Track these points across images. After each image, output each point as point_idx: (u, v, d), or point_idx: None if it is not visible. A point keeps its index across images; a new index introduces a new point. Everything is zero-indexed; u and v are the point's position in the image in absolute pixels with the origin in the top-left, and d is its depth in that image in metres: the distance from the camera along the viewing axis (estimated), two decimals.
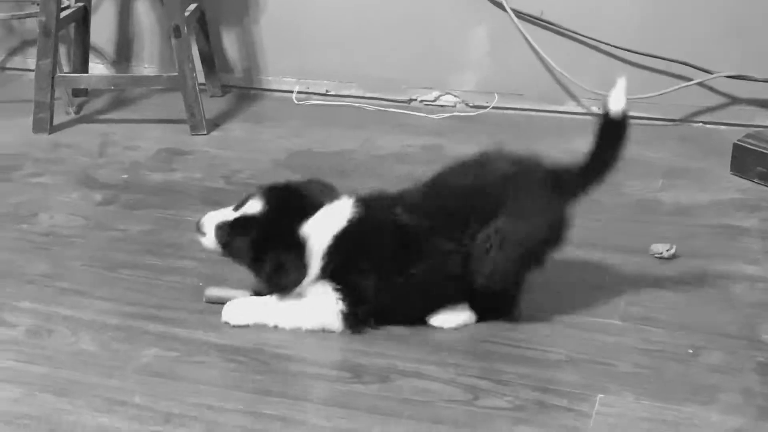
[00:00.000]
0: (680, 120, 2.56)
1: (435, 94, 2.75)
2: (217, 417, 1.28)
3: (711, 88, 2.52)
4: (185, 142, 2.46)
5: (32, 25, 3.04)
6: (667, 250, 1.74)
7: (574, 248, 1.77)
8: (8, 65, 3.13)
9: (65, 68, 2.73)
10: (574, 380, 1.36)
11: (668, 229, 1.87)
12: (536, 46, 2.61)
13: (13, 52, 3.13)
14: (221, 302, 1.58)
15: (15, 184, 2.17)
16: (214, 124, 2.59)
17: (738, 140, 2.18)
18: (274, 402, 1.31)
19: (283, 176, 2.22)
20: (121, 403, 1.31)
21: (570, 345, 1.45)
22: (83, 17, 2.70)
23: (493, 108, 2.68)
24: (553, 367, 1.40)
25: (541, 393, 1.32)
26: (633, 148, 2.36)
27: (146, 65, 2.98)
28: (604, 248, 1.79)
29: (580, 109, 2.65)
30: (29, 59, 3.06)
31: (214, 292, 1.63)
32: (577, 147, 2.37)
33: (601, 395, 1.32)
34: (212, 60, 2.80)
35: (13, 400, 1.33)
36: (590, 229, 1.88)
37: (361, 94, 2.80)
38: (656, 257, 1.74)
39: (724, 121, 2.51)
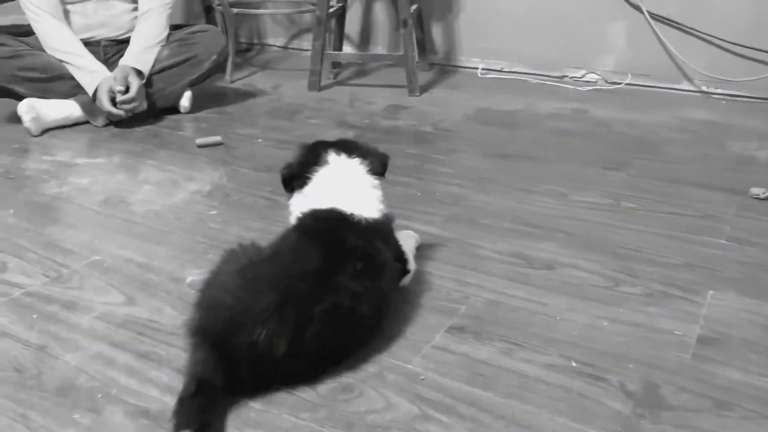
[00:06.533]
0: None
1: (582, 72, 2.60)
2: (434, 279, 1.26)
3: None
4: (404, 100, 2.46)
5: (306, 19, 3.13)
6: (764, 193, 1.58)
7: (690, 187, 1.66)
8: (290, 46, 3.24)
9: (326, 48, 2.80)
10: (690, 279, 1.27)
11: (763, 178, 1.69)
12: (663, 38, 2.40)
13: (293, 37, 3.23)
14: (210, 145, 1.93)
15: (297, 123, 2.25)
16: (424, 89, 2.58)
17: None
18: (470, 273, 1.29)
19: (471, 126, 2.21)
20: None
21: (687, 255, 1.35)
22: (342, 13, 2.72)
23: (626, 84, 2.50)
24: (673, 269, 1.30)
25: (664, 286, 1.25)
26: (736, 118, 2.19)
27: (379, 47, 3.00)
28: (712, 188, 1.65)
29: (692, 88, 2.43)
30: (304, 42, 3.15)
31: (201, 140, 1.96)
32: (689, 116, 2.22)
33: (711, 291, 1.23)
34: (424, 44, 2.77)
35: None
36: (701, 173, 1.75)
37: (526, 71, 2.69)
38: (754, 198, 1.59)
39: None
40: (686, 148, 1.94)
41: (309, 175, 1.13)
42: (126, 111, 2.12)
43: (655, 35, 2.42)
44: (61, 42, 2.15)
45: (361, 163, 1.15)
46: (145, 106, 2.17)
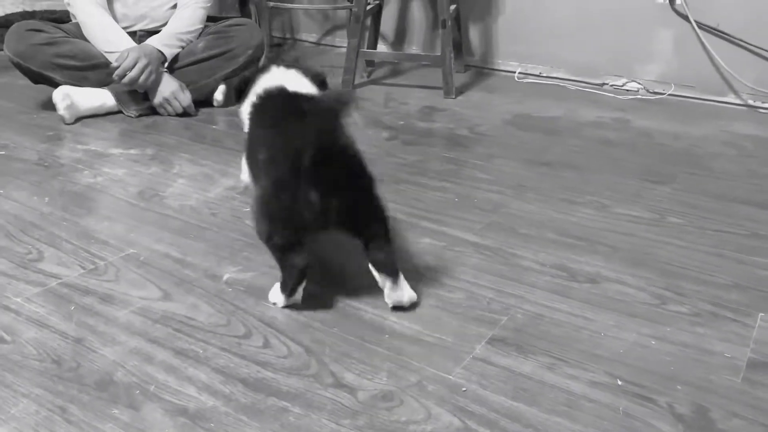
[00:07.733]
0: None
1: (623, 80, 2.58)
2: (473, 288, 1.27)
3: None
4: (440, 102, 2.46)
5: (340, 15, 3.14)
6: None
7: (738, 204, 1.63)
8: (322, 42, 3.25)
9: (361, 46, 2.80)
10: (739, 300, 1.25)
11: None
12: (710, 49, 2.38)
13: (326, 33, 3.24)
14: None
15: None
16: (459, 91, 2.57)
17: None
18: (511, 284, 1.29)
19: (509, 131, 2.20)
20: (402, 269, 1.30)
21: (736, 275, 1.33)
22: (378, 11, 2.73)
23: (669, 95, 2.48)
24: (722, 289, 1.29)
25: (713, 306, 1.23)
26: None
27: (414, 47, 3.00)
28: (763, 207, 1.62)
29: (738, 101, 2.40)
30: (337, 38, 3.16)
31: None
32: (736, 130, 2.19)
33: (762, 314, 1.21)
34: (460, 45, 2.77)
35: None
36: (750, 191, 1.71)
37: (565, 77, 2.68)
38: None
39: None
40: (733, 163, 1.91)
41: (255, 82, 1.35)
42: (125, 83, 2.11)
43: (702, 46, 2.39)
44: (101, 31, 2.17)
45: (298, 72, 1.35)
46: (149, 82, 2.12)
